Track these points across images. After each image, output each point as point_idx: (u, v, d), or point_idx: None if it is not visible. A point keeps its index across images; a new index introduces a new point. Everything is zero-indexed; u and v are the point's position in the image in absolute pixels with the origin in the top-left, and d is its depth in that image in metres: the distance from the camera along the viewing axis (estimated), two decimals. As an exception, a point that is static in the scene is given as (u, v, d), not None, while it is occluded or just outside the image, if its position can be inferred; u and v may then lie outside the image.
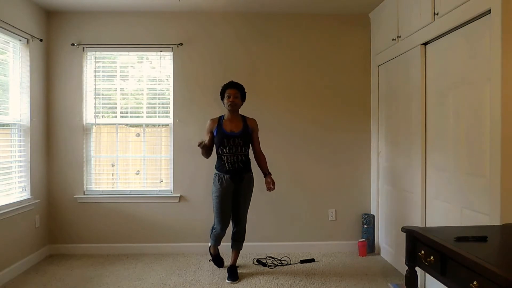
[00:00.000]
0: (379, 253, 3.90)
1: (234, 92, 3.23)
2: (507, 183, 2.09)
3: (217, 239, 3.36)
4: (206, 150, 3.24)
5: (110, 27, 3.93)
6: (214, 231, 3.33)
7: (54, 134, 3.92)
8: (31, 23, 3.63)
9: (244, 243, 3.42)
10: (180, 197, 3.97)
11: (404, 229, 1.81)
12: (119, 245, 3.94)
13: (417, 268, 1.77)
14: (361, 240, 3.88)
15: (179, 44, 3.92)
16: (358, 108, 4.04)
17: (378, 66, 3.85)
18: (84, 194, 3.95)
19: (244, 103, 3.34)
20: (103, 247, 3.93)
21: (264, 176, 3.35)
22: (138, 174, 4.03)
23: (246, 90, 3.35)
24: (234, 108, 3.23)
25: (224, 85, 3.30)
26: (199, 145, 3.09)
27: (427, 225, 2.93)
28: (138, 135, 4.02)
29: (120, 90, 4.01)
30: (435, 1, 2.73)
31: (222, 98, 3.30)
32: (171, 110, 3.98)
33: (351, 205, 4.05)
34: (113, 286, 3.14)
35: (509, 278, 1.16)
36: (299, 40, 4.01)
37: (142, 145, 4.01)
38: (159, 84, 4.03)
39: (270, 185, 3.30)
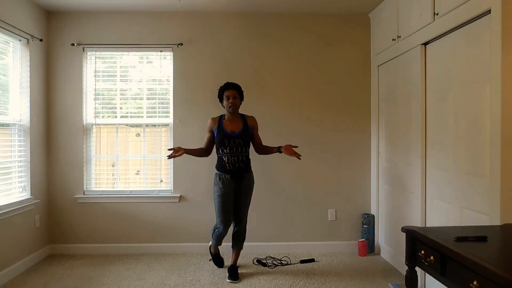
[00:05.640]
0: (379, 253, 3.90)
1: (233, 93, 3.23)
2: (507, 183, 2.09)
3: (219, 238, 3.35)
4: (197, 153, 3.32)
5: (110, 27, 3.93)
6: (216, 231, 3.33)
7: (54, 134, 3.92)
8: (31, 23, 3.62)
9: (244, 243, 3.42)
10: (180, 197, 3.97)
11: (404, 229, 1.81)
12: (119, 245, 3.94)
13: (417, 268, 1.77)
14: (361, 240, 3.88)
15: (179, 44, 3.92)
16: (358, 108, 4.04)
17: (378, 66, 3.85)
18: (84, 194, 3.95)
19: (242, 102, 3.35)
20: (103, 247, 3.93)
21: (279, 148, 3.26)
22: (138, 174, 4.03)
23: (246, 90, 3.36)
24: (234, 109, 3.24)
25: (221, 87, 3.30)
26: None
27: (427, 225, 2.93)
28: (138, 135, 4.02)
29: (120, 90, 4.01)
30: (435, 1, 2.73)
31: (221, 100, 3.30)
32: (171, 110, 3.98)
33: (351, 205, 4.05)
34: (113, 286, 3.14)
35: (509, 278, 1.16)
36: (299, 39, 4.01)
37: (142, 145, 4.01)
38: (159, 84, 4.03)
39: (290, 146, 3.22)
